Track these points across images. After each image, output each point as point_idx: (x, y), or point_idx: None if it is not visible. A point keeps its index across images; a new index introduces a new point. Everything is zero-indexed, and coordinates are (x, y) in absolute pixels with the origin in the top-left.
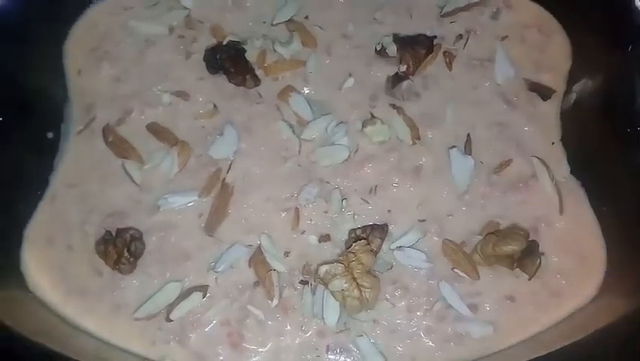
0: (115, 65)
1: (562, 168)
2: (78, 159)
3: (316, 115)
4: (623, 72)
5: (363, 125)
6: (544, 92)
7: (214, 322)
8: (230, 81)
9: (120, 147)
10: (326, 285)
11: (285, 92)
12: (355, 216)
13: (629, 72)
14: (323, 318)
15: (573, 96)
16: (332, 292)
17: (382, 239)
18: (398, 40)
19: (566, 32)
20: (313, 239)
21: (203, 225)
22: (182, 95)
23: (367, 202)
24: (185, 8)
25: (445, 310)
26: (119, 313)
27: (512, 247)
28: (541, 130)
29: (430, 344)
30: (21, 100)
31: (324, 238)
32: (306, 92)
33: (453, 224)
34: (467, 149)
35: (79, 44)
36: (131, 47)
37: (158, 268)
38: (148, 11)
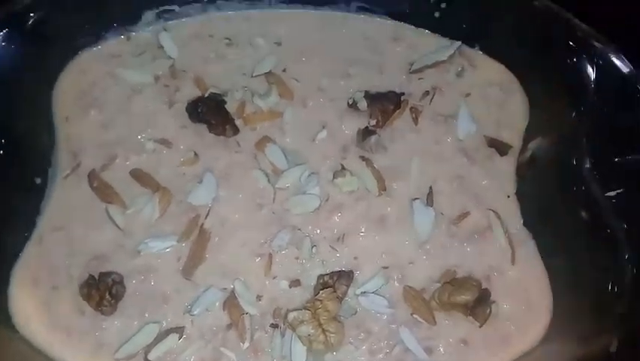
0: (102, 112)
1: (515, 220)
2: (64, 202)
3: (291, 165)
4: (574, 133)
5: (334, 177)
6: (501, 148)
7: None
8: (210, 131)
9: (104, 192)
10: (294, 330)
11: (262, 142)
12: (324, 263)
13: (579, 133)
14: (291, 360)
15: (529, 153)
16: (299, 337)
17: (348, 286)
18: (369, 96)
19: (525, 92)
20: (284, 284)
21: (181, 268)
22: (165, 142)
23: (335, 250)
24: (170, 58)
25: (403, 353)
26: (102, 353)
27: (465, 297)
28: (497, 184)
29: None
30: (9, 145)
31: (295, 283)
32: (282, 142)
33: (414, 271)
34: (429, 201)
35: (67, 91)
36: (117, 94)
37: (137, 310)
38: (135, 60)
